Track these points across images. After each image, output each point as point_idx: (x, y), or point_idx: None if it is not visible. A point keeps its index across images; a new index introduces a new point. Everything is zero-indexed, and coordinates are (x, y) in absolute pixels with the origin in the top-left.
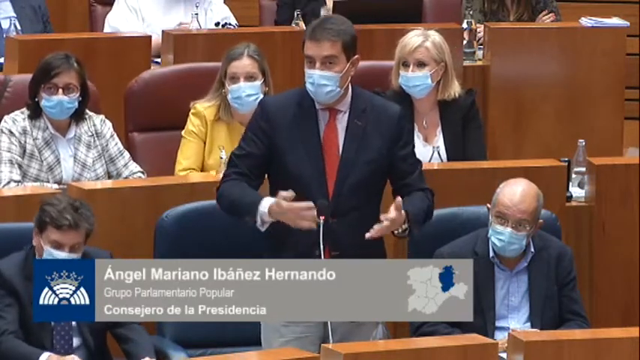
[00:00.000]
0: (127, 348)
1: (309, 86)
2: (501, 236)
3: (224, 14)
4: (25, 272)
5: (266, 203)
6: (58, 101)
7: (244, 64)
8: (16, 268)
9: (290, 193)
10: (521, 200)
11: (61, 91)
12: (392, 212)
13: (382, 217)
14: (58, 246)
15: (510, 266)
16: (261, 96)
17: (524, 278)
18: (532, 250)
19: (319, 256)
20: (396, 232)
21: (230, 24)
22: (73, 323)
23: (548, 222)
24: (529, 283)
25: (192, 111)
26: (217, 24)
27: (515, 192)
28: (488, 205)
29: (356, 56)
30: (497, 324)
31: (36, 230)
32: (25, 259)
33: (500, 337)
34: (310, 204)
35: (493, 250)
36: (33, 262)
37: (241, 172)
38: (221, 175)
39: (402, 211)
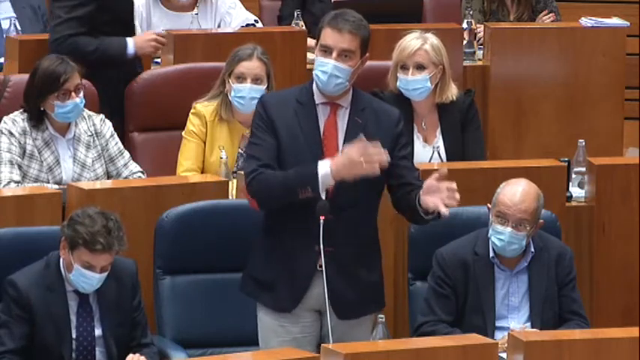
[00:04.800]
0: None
1: (319, 74)
2: (501, 236)
3: (242, 18)
4: (45, 282)
5: (325, 165)
6: (74, 104)
7: (254, 65)
8: (35, 279)
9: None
10: (522, 200)
11: (73, 94)
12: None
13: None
14: (89, 267)
15: (510, 266)
16: None
17: (525, 278)
18: (532, 250)
19: (317, 254)
20: (428, 214)
21: (251, 24)
22: (97, 333)
23: (548, 222)
24: (529, 283)
25: (192, 111)
26: None
27: (516, 192)
28: (489, 205)
29: (367, 54)
30: (498, 324)
31: (65, 244)
32: (46, 267)
33: (500, 337)
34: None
35: (493, 250)
36: (56, 272)
37: (266, 163)
38: (222, 176)
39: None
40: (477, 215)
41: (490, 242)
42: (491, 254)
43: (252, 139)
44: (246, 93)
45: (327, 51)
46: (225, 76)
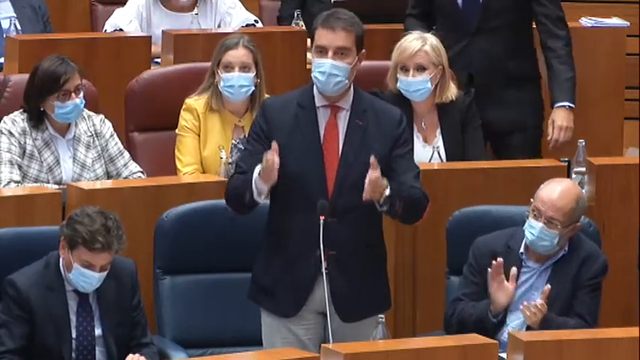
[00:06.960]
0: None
1: (317, 75)
2: (533, 230)
3: (242, 18)
4: (45, 282)
5: (257, 169)
6: (74, 105)
7: (240, 53)
8: (35, 279)
9: (274, 146)
10: (559, 198)
11: (73, 95)
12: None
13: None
14: (89, 266)
15: (540, 262)
16: (253, 88)
17: (548, 275)
18: (565, 249)
19: (319, 257)
20: (380, 204)
21: (251, 24)
22: (97, 333)
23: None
24: (548, 281)
25: (183, 107)
26: None
27: (555, 190)
28: (532, 200)
29: (363, 51)
30: (512, 318)
31: (64, 244)
32: (46, 267)
33: (506, 333)
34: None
35: (524, 245)
36: (56, 272)
37: (244, 171)
38: (222, 176)
39: (382, 179)
40: (509, 214)
41: (524, 237)
42: (521, 249)
43: (246, 144)
44: (234, 81)
45: (322, 51)
46: (214, 67)
